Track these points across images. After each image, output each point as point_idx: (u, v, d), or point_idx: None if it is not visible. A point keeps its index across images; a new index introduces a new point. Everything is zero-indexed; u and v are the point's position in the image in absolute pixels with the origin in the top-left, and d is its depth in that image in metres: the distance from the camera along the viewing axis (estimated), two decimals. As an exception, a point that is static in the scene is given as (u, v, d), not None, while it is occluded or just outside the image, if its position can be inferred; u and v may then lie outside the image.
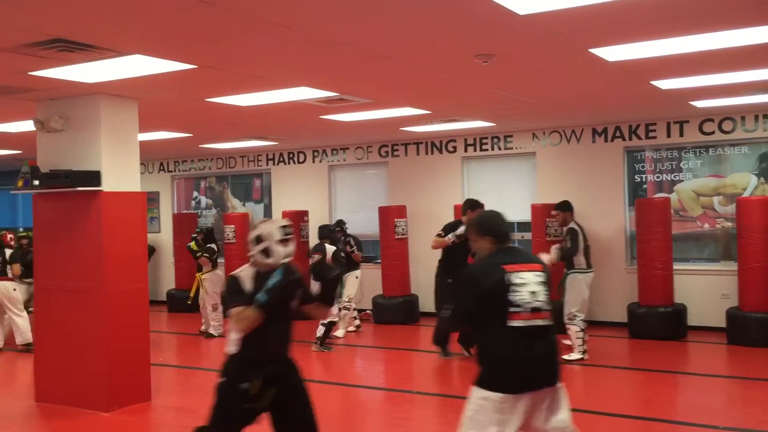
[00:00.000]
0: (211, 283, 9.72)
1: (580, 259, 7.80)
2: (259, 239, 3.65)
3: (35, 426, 6.16)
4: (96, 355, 6.28)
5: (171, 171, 13.61)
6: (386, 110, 7.94)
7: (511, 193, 10.60)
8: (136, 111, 6.66)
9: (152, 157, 13.27)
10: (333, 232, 9.15)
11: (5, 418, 6.29)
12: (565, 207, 8.17)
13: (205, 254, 9.69)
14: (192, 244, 9.83)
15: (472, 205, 7.66)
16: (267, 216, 12.69)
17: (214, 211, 13.36)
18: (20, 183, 6.45)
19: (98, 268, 6.27)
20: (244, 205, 13.05)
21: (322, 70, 5.71)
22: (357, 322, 10.01)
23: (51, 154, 6.53)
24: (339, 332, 9.45)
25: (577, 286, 7.75)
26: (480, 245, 3.60)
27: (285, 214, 11.49)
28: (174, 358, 8.85)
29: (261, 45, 4.74)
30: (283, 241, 3.64)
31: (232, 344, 3.64)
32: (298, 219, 11.40)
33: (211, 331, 9.72)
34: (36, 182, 6.32)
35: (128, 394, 6.38)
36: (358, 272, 9.69)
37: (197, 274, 9.96)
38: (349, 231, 10.17)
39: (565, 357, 7.45)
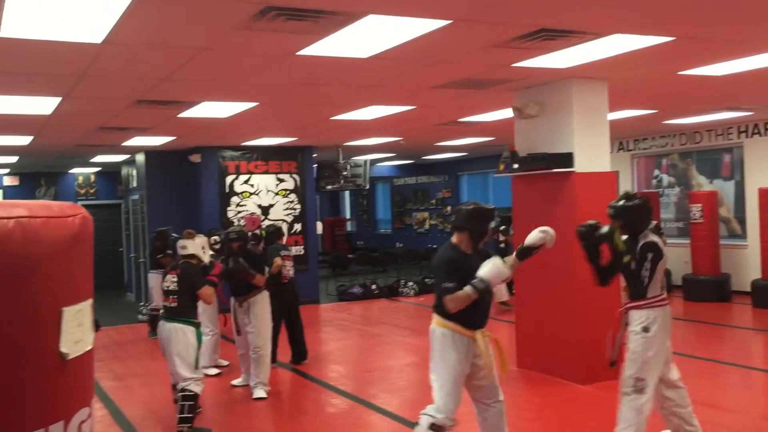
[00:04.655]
0: None
1: None
2: None
3: (517, 389, 6.69)
4: (571, 328, 6.55)
5: (630, 150, 13.40)
6: None
7: None
8: (605, 92, 6.72)
9: (612, 137, 13.19)
10: None
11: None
12: None
13: None
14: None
15: None
16: (739, 194, 11.60)
17: (677, 189, 12.73)
18: (501, 167, 7.07)
19: (570, 246, 6.49)
20: (711, 182, 12.13)
21: (825, 23, 4.93)
22: None
23: (527, 138, 7.00)
24: None
25: None
26: None
27: (761, 192, 10.35)
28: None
29: (756, 5, 4.30)
30: None
31: None
32: (778, 197, 10.17)
33: None
34: (515, 165, 6.85)
35: (604, 370, 6.49)
36: None
37: None
38: None
39: None
